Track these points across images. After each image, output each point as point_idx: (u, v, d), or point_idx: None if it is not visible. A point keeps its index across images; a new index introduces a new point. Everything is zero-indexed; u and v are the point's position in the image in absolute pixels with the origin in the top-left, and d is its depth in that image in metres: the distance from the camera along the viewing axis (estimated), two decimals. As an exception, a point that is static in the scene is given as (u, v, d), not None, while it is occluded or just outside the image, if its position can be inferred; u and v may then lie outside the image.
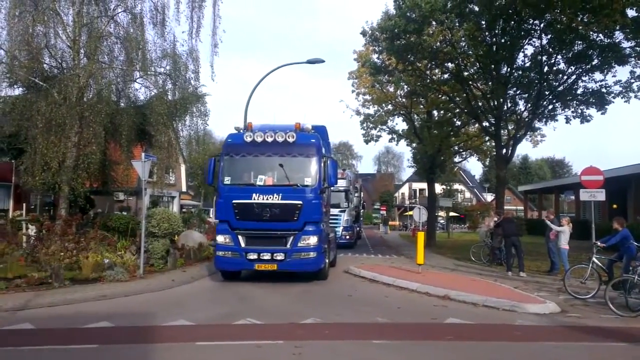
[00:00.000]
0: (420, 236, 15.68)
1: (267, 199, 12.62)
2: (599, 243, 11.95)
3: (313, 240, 12.73)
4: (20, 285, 11.00)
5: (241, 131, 13.69)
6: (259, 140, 13.12)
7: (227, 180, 13.11)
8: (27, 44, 16.14)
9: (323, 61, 21.88)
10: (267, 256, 12.64)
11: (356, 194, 30.34)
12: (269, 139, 13.10)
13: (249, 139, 13.17)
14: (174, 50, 18.11)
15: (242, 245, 12.77)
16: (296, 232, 12.67)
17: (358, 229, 33.16)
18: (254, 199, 12.65)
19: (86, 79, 16.56)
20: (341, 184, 25.59)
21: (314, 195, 12.84)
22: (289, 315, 9.23)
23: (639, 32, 18.73)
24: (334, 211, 24.22)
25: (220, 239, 13.02)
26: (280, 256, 12.61)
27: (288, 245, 12.66)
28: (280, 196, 12.62)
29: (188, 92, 18.60)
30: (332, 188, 25.87)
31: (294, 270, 12.90)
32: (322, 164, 13.04)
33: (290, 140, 13.06)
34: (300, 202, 12.64)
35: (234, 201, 12.79)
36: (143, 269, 13.38)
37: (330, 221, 24.13)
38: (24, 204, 21.98)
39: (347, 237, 26.64)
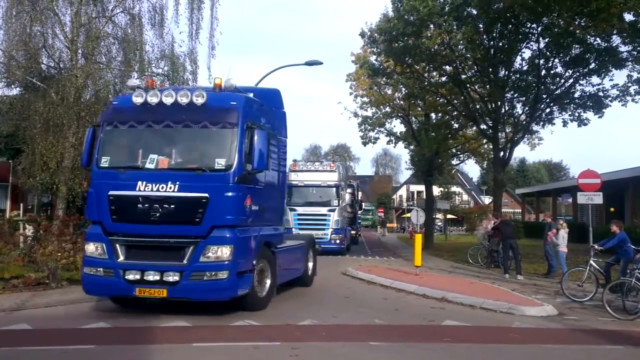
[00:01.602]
0: (418, 238, 15.68)
1: (158, 190, 8.69)
2: (596, 246, 11.96)
3: (224, 252, 8.62)
4: (17, 285, 10.96)
5: (136, 90, 9.49)
6: (154, 102, 9.06)
7: (104, 161, 9.14)
8: (25, 44, 16.14)
9: (321, 63, 21.83)
10: (153, 276, 8.58)
11: (348, 191, 27.12)
12: (168, 100, 9.04)
13: (139, 101, 9.11)
14: (172, 51, 18.14)
15: (120, 258, 8.78)
16: (199, 240, 8.64)
17: (354, 232, 31.00)
18: (139, 190, 8.72)
19: (84, 80, 16.54)
20: (331, 178, 23.33)
21: (230, 184, 8.73)
22: (286, 316, 9.21)
23: (636, 36, 18.84)
24: (321, 210, 22.62)
25: (89, 248, 9.04)
26: (173, 276, 8.55)
27: (185, 261, 8.62)
28: (176, 186, 8.67)
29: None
30: (318, 182, 23.15)
31: (193, 299, 8.81)
32: (247, 138, 8.95)
33: (199, 102, 8.99)
34: (205, 194, 8.62)
35: (110, 193, 8.86)
36: (140, 270, 13.30)
37: (317, 222, 22.29)
38: (22, 204, 21.93)
39: (337, 241, 22.88)
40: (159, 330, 7.97)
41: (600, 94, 22.11)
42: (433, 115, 30.90)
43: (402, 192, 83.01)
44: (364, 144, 31.86)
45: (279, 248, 10.70)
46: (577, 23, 19.29)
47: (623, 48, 20.32)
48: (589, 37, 20.06)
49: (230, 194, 8.74)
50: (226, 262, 8.63)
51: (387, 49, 22.29)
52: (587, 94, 22.50)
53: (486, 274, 16.91)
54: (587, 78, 22.20)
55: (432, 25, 21.26)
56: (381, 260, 22.67)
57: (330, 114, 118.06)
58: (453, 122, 29.39)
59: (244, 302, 9.28)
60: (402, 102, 30.50)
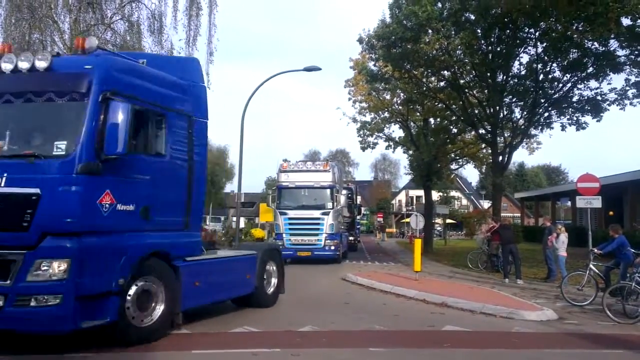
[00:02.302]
0: (417, 243, 15.67)
1: None
2: (595, 250, 11.97)
3: (58, 268, 6.35)
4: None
5: None
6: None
7: None
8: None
9: (319, 69, 21.84)
10: None
11: (344, 193, 25.23)
12: (7, 67, 7.13)
13: None
14: (171, 57, 18.17)
15: None
16: (26, 251, 6.41)
17: (352, 238, 29.24)
18: None
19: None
20: (324, 178, 21.55)
21: (70, 174, 6.51)
22: (286, 323, 9.19)
23: (634, 40, 18.91)
24: (314, 214, 20.88)
25: None
26: None
27: (8, 280, 6.36)
28: (3, 179, 6.59)
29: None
30: (310, 184, 21.92)
31: (19, 331, 6.72)
32: (103, 113, 6.73)
33: (42, 66, 6.98)
34: (35, 189, 6.45)
35: None
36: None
37: (310, 227, 20.78)
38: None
39: (332, 247, 20.91)
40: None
41: (598, 98, 22.17)
42: (432, 120, 30.99)
43: (401, 197, 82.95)
44: (363, 149, 31.91)
45: (190, 261, 8.27)
46: (574, 28, 19.38)
47: (621, 52, 20.40)
48: (586, 41, 20.12)
49: (70, 188, 6.51)
50: (60, 282, 6.31)
51: (385, 54, 22.34)
52: (585, 98, 22.56)
53: (486, 278, 16.88)
54: (585, 82, 22.28)
55: (430, 31, 21.33)
56: (381, 265, 22.64)
57: (329, 120, 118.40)
58: (452, 127, 29.44)
59: (113, 334, 7.04)
60: (400, 107, 30.57)
